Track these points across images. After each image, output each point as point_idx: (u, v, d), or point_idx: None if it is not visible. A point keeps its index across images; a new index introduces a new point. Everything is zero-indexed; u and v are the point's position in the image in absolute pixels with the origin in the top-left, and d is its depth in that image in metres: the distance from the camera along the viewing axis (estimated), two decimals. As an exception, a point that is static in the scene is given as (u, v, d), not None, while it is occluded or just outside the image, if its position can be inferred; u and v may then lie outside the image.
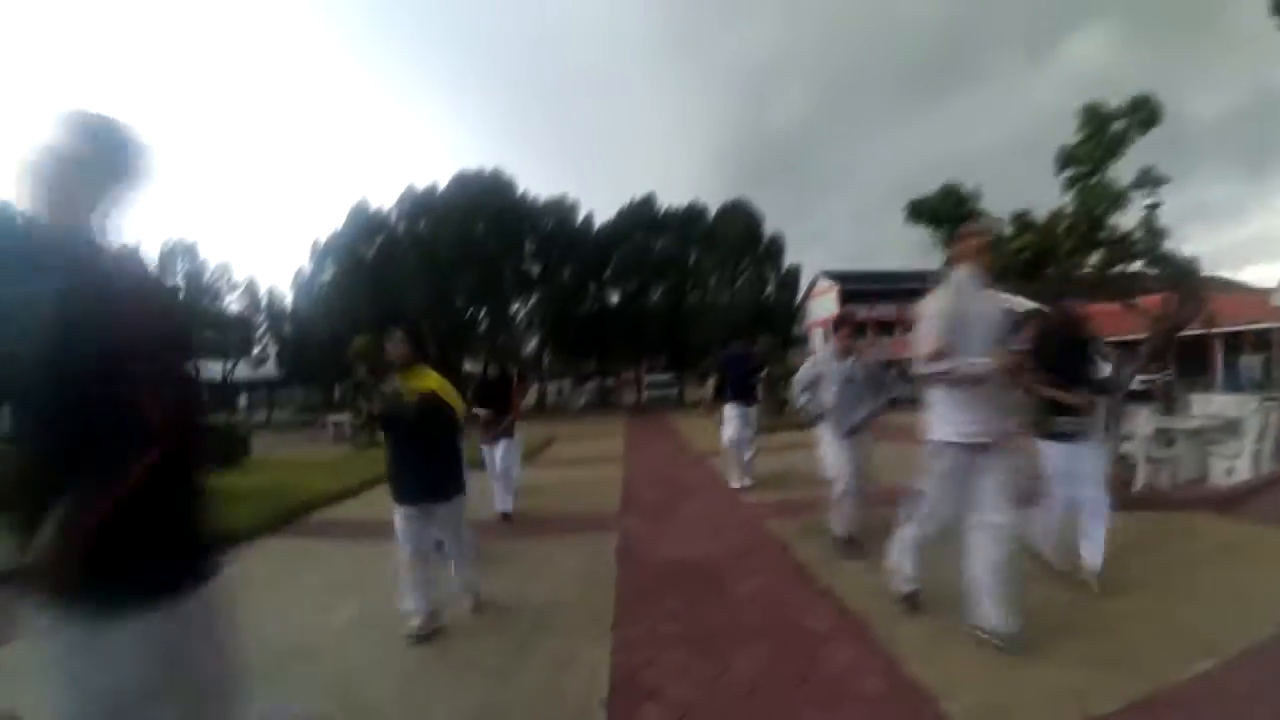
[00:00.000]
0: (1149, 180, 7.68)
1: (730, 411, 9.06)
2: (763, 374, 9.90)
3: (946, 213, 8.91)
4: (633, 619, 4.46)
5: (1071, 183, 8.09)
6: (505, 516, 7.90)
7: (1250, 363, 27.12)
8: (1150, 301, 8.47)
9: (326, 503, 10.07)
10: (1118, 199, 7.71)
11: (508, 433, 8.00)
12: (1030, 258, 8.19)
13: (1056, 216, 8.21)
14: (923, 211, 9.46)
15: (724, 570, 5.39)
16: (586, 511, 8.17)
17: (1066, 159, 8.11)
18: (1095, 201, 7.83)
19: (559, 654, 3.97)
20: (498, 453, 8.02)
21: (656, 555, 5.99)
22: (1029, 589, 4.12)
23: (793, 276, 38.56)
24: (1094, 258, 8.10)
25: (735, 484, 9.12)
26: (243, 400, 52.01)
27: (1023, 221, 8.49)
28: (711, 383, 9.76)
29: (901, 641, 3.81)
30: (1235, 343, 28.47)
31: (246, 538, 7.66)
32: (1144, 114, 7.61)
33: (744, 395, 9.18)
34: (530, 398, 43.66)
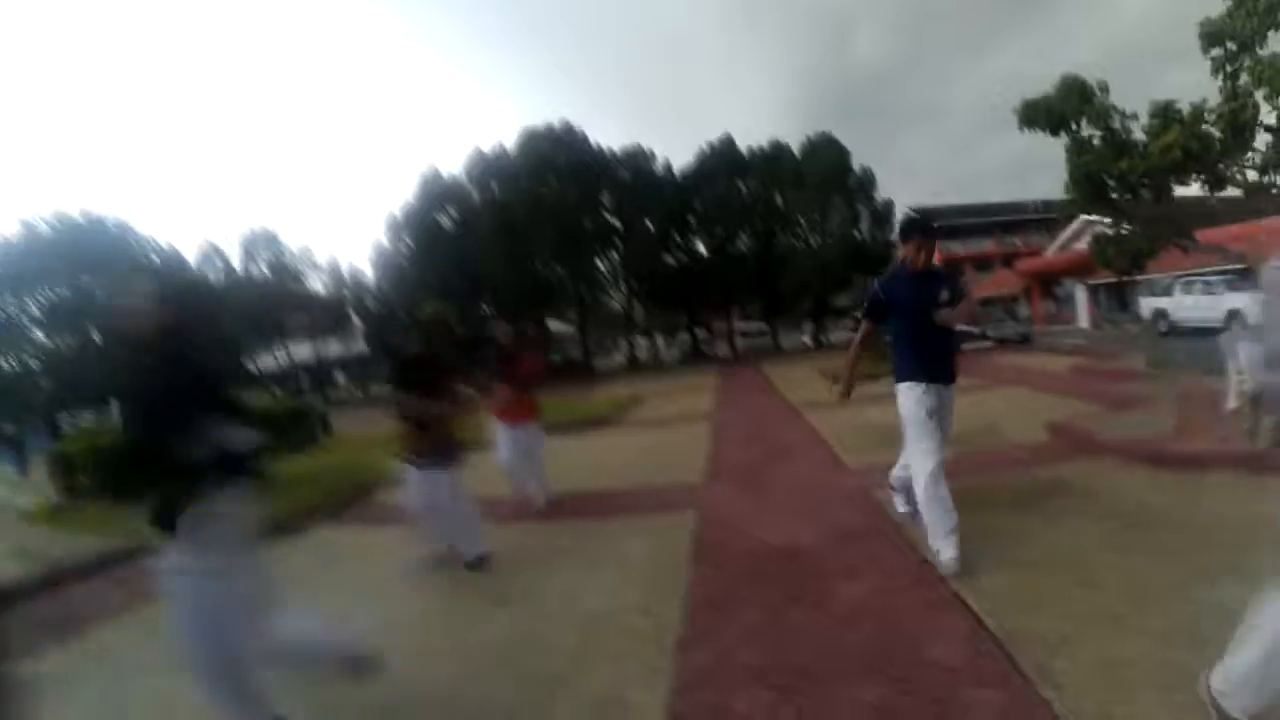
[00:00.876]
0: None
1: (908, 397, 4.44)
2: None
3: (1071, 110, 7.43)
4: (702, 639, 3.42)
5: (1221, 64, 6.54)
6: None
7: None
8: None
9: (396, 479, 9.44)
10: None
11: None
12: (1180, 157, 6.66)
13: (1205, 106, 6.68)
14: (1039, 113, 7.98)
15: (824, 566, 4.28)
16: (664, 485, 7.09)
17: (1213, 35, 6.53)
18: (1256, 81, 6.27)
19: (600, 693, 3.01)
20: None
21: (740, 544, 4.90)
22: None
23: (886, 211, 36.34)
24: (1254, 156, 6.54)
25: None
26: (340, 377, 53.39)
27: (1166, 114, 6.94)
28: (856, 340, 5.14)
29: (1067, 681, 2.66)
30: None
31: (295, 528, 7.19)
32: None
33: (931, 362, 4.42)
34: (618, 356, 43.05)
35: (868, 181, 35.46)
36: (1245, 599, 2.24)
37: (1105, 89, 7.27)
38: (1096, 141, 7.35)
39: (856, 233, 35.30)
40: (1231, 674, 2.25)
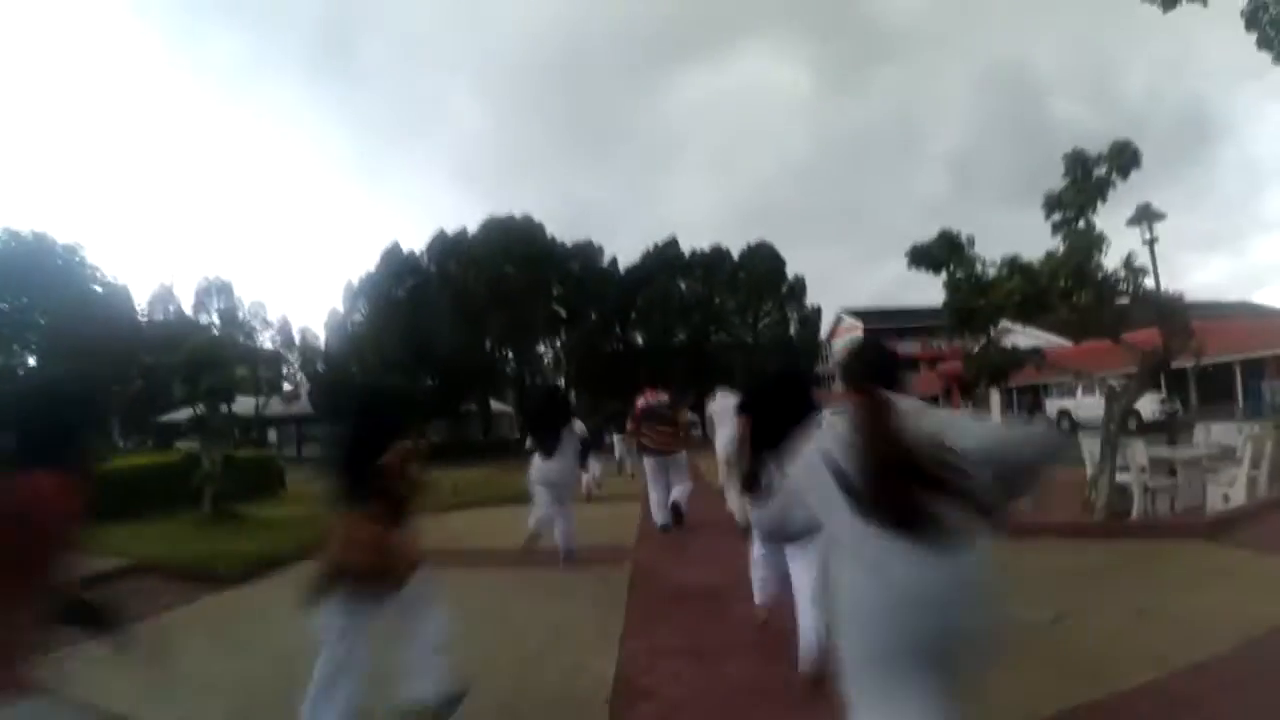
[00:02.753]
0: (1147, 216, 8.05)
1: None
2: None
3: (945, 258, 9.28)
4: (639, 635, 4.84)
5: (1057, 227, 8.48)
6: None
7: (1274, 387, 26.77)
8: (1138, 338, 8.80)
9: None
10: (1100, 242, 8.09)
11: None
12: (1020, 300, 8.55)
13: (1046, 261, 8.55)
14: (923, 257, 9.84)
15: (725, 594, 5.70)
16: (605, 544, 8.53)
17: (1053, 204, 8.50)
18: (1081, 244, 8.19)
19: (571, 663, 4.38)
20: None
21: (665, 582, 6.34)
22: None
23: (814, 316, 38.91)
24: (1083, 298, 8.40)
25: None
26: (272, 435, 53.07)
27: (1013, 266, 8.83)
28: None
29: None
30: (1257, 368, 27.97)
31: (286, 560, 7.90)
32: (1124, 158, 8.03)
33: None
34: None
35: (799, 289, 37.95)
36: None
37: (972, 242, 9.16)
38: (963, 283, 9.20)
39: (788, 334, 37.56)
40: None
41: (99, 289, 35.08)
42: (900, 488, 1.89)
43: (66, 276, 32.46)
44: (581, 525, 9.25)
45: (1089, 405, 27.11)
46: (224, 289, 45.91)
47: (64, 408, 1.99)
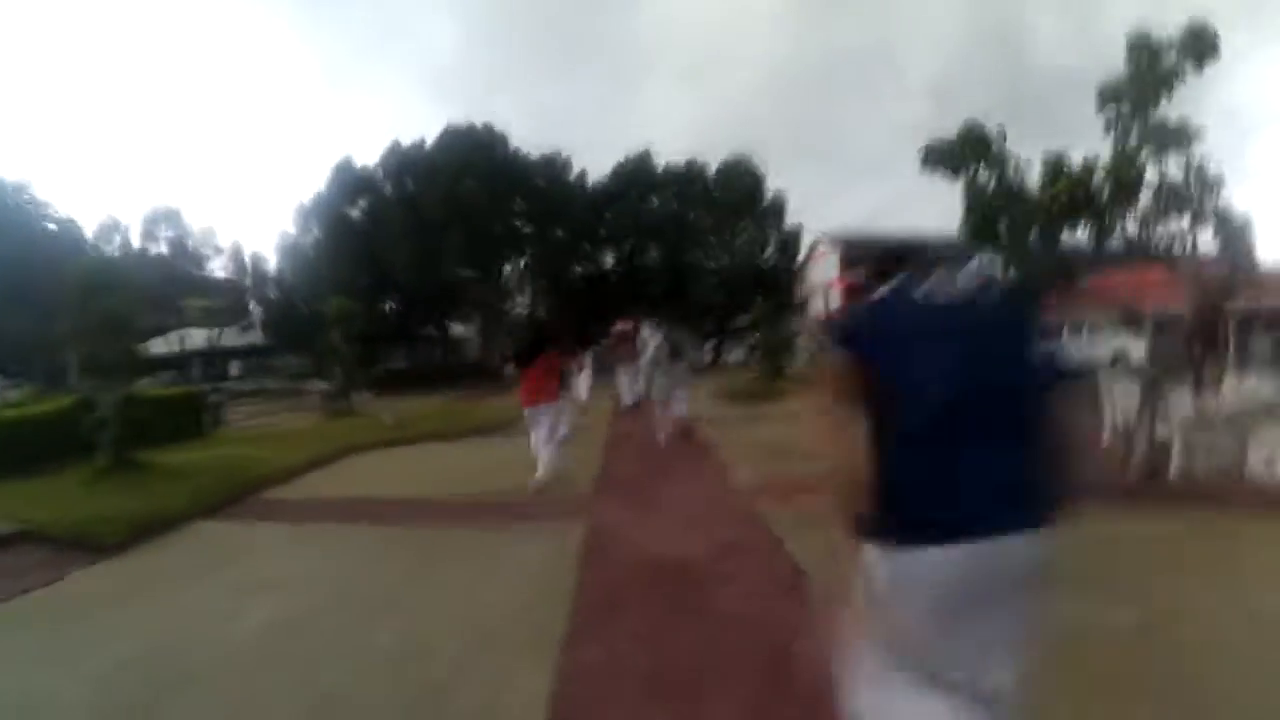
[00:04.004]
0: (1183, 136, 6.68)
1: None
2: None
3: (970, 155, 7.86)
4: (587, 639, 3.62)
5: (1111, 124, 7.05)
6: None
7: (1265, 342, 25.98)
8: (1190, 269, 7.48)
9: (284, 478, 9.32)
10: (1164, 143, 6.67)
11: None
12: (1065, 206, 7.12)
13: (1094, 161, 7.16)
14: (940, 157, 8.40)
15: (704, 575, 4.46)
16: (557, 494, 7.23)
17: (1108, 95, 7.04)
18: (1139, 145, 6.80)
19: (492, 679, 3.26)
20: None
21: (625, 554, 5.09)
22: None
23: (793, 238, 37.19)
24: (1136, 210, 7.04)
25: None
26: (235, 368, 51.54)
27: (1056, 165, 7.41)
28: None
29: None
30: (1246, 322, 27.20)
31: (179, 520, 7.06)
32: (1201, 45, 6.55)
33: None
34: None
35: (779, 207, 36.31)
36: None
37: (1004, 136, 7.70)
38: (991, 186, 7.79)
39: (763, 256, 36.05)
40: None
41: (51, 226, 33.14)
42: None
43: (15, 216, 30.54)
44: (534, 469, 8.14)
45: (1073, 345, 25.87)
46: (171, 216, 44.12)
47: None
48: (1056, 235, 7.66)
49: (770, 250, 36.39)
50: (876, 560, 1.73)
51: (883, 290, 1.97)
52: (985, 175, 7.77)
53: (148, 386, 27.23)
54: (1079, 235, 7.64)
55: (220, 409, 18.12)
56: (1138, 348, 25.99)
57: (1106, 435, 7.95)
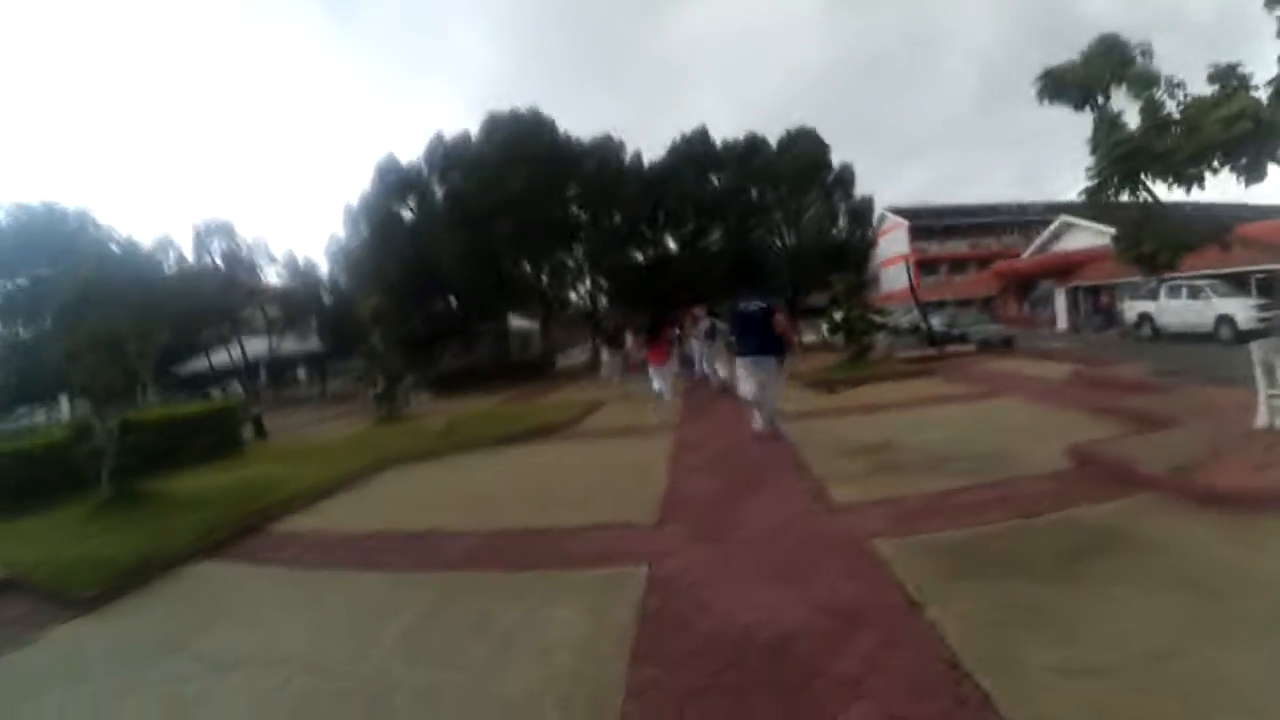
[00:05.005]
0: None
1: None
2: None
3: (1107, 78, 6.28)
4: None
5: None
6: None
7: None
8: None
9: (310, 502, 8.30)
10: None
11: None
12: (1251, 128, 5.48)
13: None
14: (1062, 84, 6.82)
15: (814, 674, 3.08)
16: (606, 523, 5.91)
17: None
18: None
19: None
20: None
21: (696, 629, 3.70)
22: None
23: (865, 209, 35.18)
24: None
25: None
26: (301, 373, 51.89)
27: (1231, 82, 5.78)
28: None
29: None
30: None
31: (176, 561, 6.23)
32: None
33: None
34: (581, 352, 41.79)
35: (847, 178, 34.34)
36: None
37: (1149, 53, 6.10)
38: (1135, 117, 6.18)
39: (834, 230, 34.19)
40: None
41: (115, 249, 33.29)
42: None
43: (81, 242, 30.73)
44: (580, 483, 6.84)
45: (1173, 309, 24.52)
46: (224, 229, 44.13)
47: None
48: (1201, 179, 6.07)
49: (841, 223, 34.48)
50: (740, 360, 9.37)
51: (735, 305, 9.72)
52: (1122, 104, 6.24)
53: (181, 402, 27.13)
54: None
55: (261, 421, 17.35)
56: (1170, 310, 24.43)
57: (1262, 418, 6.39)
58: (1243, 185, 6.06)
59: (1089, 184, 6.85)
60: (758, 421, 9.40)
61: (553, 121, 31.78)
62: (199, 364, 45.20)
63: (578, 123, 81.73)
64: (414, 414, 16.78)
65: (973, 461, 6.67)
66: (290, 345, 43.68)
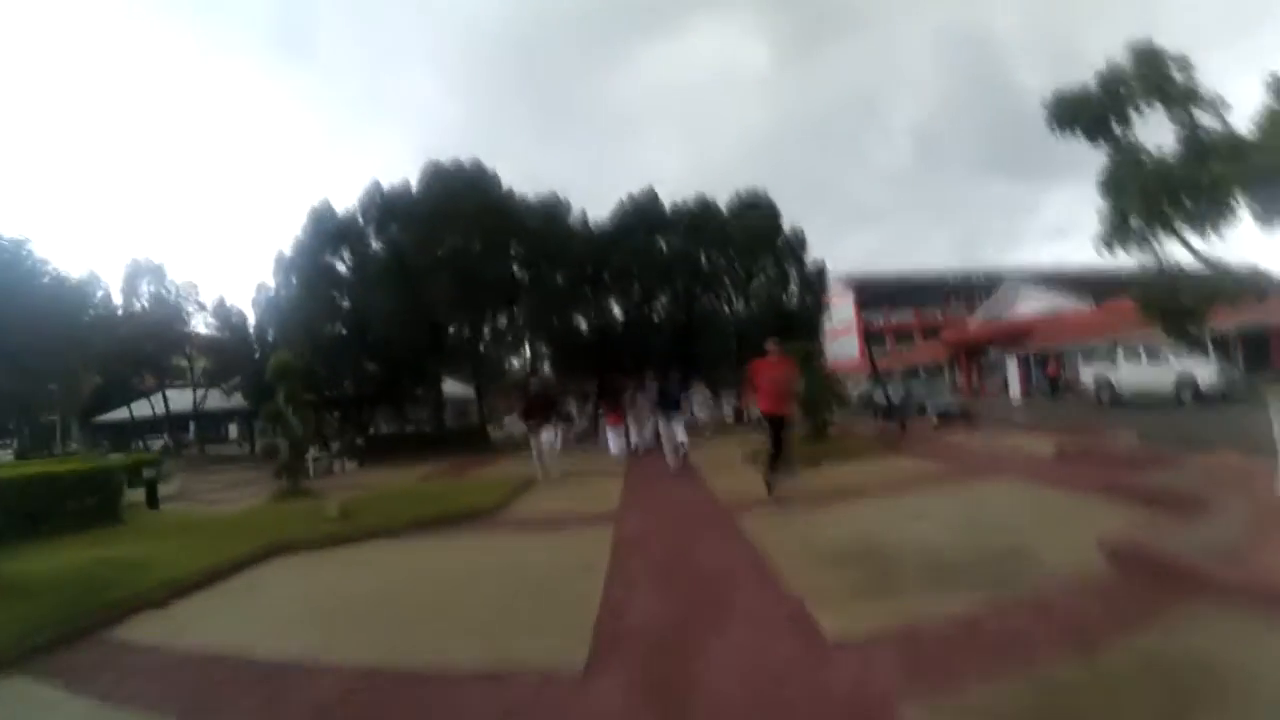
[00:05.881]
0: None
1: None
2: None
3: (1143, 92, 5.29)
4: None
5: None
6: None
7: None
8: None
9: (162, 600, 6.65)
10: None
11: None
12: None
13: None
14: (1077, 110, 5.84)
15: None
16: (515, 667, 4.36)
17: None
18: None
19: None
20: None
21: None
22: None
23: (817, 275, 34.41)
24: None
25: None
26: (233, 430, 49.28)
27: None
28: None
29: None
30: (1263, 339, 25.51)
31: None
32: None
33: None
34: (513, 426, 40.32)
35: (798, 244, 33.64)
36: None
37: (1188, 67, 5.13)
38: (1166, 145, 5.20)
39: (784, 297, 33.35)
40: None
41: (47, 282, 31.27)
42: None
43: (16, 273, 28.59)
44: (499, 592, 5.55)
45: (1132, 373, 24.26)
46: (155, 271, 42.23)
47: None
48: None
49: (792, 290, 33.67)
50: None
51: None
52: (1181, 110, 5.25)
53: (102, 453, 24.96)
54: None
55: (155, 484, 15.48)
56: (1130, 373, 24.23)
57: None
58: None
59: (1107, 226, 5.90)
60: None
61: (496, 174, 30.64)
62: (121, 414, 42.77)
63: (523, 179, 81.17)
64: (321, 489, 15.23)
65: (988, 567, 5.47)
66: (217, 400, 41.62)
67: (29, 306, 26.92)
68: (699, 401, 20.18)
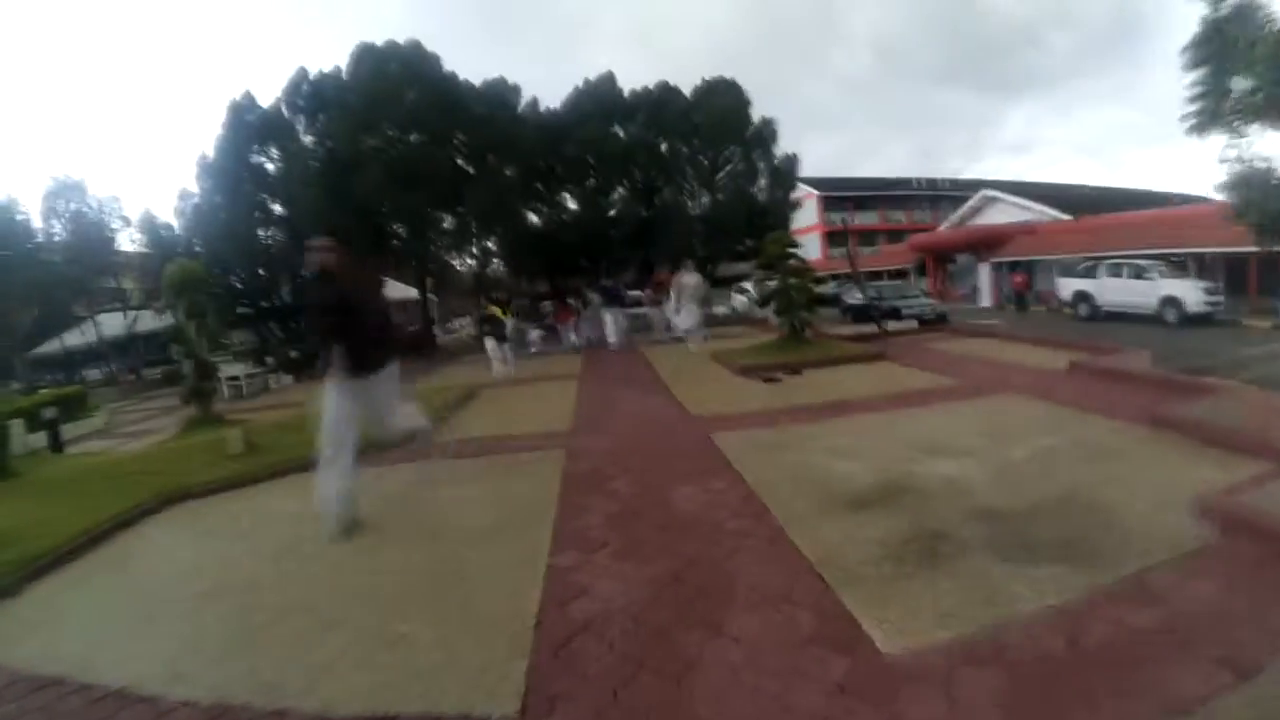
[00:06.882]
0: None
1: None
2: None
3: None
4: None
5: None
6: None
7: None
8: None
9: (17, 579, 5.25)
10: None
11: None
12: None
13: None
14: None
15: None
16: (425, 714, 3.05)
17: None
18: None
19: None
20: None
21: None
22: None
23: (789, 168, 32.23)
24: None
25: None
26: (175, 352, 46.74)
27: None
28: None
29: None
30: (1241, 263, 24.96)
31: None
32: None
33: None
34: (466, 328, 38.64)
35: (768, 134, 31.48)
36: None
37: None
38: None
39: (753, 190, 31.51)
40: None
41: None
42: None
43: None
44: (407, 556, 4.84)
45: (1115, 288, 24.08)
46: (75, 188, 39.18)
47: None
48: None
49: (761, 183, 31.80)
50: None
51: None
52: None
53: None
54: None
55: (57, 426, 13.78)
56: (1111, 289, 24.02)
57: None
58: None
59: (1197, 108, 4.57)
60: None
61: (437, 57, 27.84)
62: (53, 347, 40.47)
63: (468, 71, 76.97)
64: (246, 411, 13.66)
65: (1057, 529, 4.16)
66: (150, 322, 39.16)
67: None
68: (688, 294, 18.50)
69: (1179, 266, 24.37)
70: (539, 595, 4.02)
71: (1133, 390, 8.34)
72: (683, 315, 18.44)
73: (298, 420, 11.27)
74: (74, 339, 40.65)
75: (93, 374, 39.62)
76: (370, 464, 8.11)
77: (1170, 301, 21.62)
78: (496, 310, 17.33)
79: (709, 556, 4.33)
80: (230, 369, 21.38)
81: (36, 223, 38.06)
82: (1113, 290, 23.99)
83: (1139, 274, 23.14)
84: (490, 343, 16.59)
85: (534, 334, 23.47)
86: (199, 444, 10.26)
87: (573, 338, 23.07)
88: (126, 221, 39.81)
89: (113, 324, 41.04)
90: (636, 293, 26.11)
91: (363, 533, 5.48)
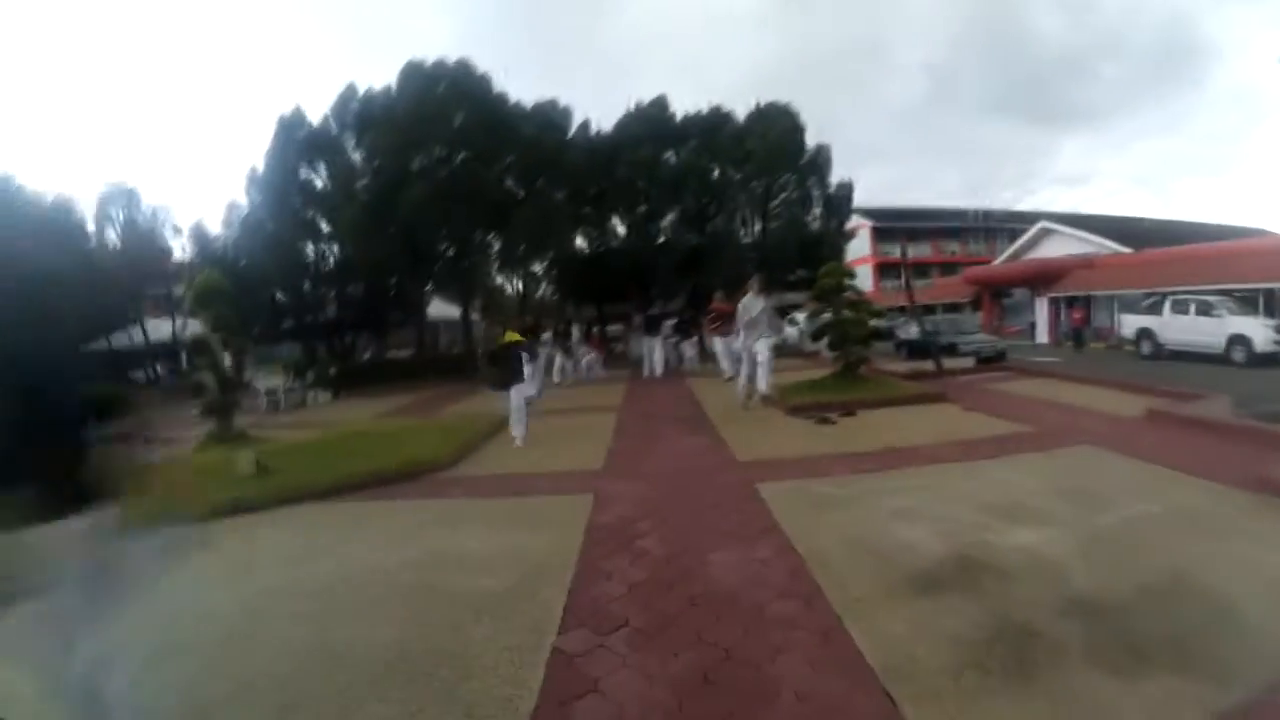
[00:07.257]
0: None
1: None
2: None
3: None
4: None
5: None
6: None
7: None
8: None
9: None
10: None
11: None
12: None
13: None
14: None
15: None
16: None
17: None
18: None
19: None
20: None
21: None
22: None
23: (844, 196, 31.32)
24: None
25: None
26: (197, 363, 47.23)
27: None
28: None
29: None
30: None
31: None
32: None
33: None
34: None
35: (823, 162, 30.69)
36: None
37: None
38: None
39: (808, 219, 30.72)
40: None
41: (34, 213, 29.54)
42: None
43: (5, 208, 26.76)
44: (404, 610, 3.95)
45: (1180, 326, 22.78)
46: (128, 195, 39.84)
47: None
48: None
49: (816, 212, 30.98)
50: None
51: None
52: None
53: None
54: None
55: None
56: (1176, 327, 22.63)
57: None
58: None
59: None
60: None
61: (487, 77, 27.54)
62: (99, 346, 41.07)
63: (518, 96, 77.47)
64: (278, 427, 13.18)
65: (1166, 624, 3.46)
66: (197, 328, 39.42)
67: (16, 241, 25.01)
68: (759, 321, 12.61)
69: (1246, 303, 23.32)
70: (538, 687, 3.32)
71: (1224, 443, 7.48)
72: (753, 353, 12.30)
73: (311, 443, 10.73)
74: (121, 341, 41.21)
75: (137, 376, 40.06)
76: (378, 498, 7.50)
77: (1238, 340, 20.44)
78: (516, 336, 10.81)
79: (748, 652, 3.55)
80: (268, 381, 21.21)
81: (89, 226, 38.83)
82: (1177, 328, 22.86)
83: (1205, 310, 22.01)
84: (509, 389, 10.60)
85: (587, 357, 23.00)
86: (207, 462, 9.74)
87: (583, 367, 22.41)
88: (177, 230, 40.38)
89: (162, 330, 41.57)
90: (671, 321, 24.40)
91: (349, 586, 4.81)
